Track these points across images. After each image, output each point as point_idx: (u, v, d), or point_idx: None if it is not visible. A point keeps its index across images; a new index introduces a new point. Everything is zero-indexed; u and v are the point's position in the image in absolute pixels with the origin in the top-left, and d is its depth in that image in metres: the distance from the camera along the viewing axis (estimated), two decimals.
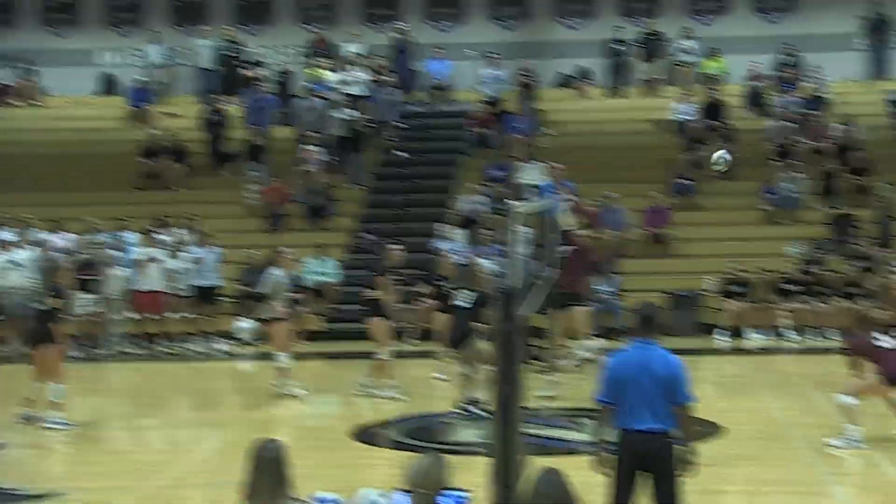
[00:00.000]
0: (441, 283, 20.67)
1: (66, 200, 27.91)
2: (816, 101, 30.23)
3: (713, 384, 17.91)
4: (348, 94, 30.44)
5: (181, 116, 30.89)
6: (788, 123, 29.37)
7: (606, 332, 22.11)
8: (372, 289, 17.92)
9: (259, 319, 21.20)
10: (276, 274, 18.41)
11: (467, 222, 26.48)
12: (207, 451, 15.28)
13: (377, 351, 17.88)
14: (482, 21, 32.84)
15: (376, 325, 17.86)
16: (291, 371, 18.21)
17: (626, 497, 8.99)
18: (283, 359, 18.19)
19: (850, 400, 14.35)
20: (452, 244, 25.45)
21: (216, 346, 24.52)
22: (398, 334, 20.52)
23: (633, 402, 9.03)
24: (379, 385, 17.97)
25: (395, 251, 18.48)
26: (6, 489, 11.56)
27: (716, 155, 16.81)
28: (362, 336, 19.12)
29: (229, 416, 17.48)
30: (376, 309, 17.85)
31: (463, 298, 16.59)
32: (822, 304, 24.39)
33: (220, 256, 25.19)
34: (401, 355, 19.35)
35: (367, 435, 15.55)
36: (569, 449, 13.34)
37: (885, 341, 14.52)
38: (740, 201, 28.08)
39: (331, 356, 23.32)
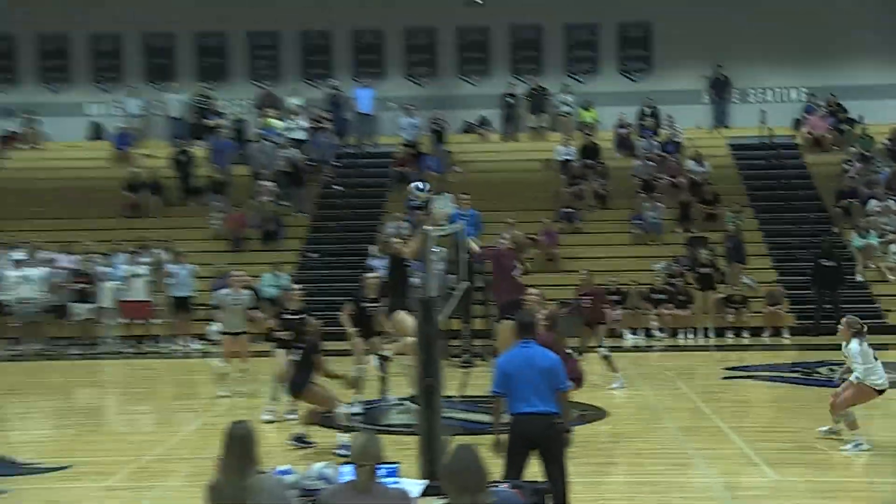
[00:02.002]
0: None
1: (66, 226, 27.72)
2: (672, 145, 30.51)
3: (598, 376, 17.88)
4: (292, 139, 30.36)
5: (156, 157, 30.68)
6: (650, 163, 29.61)
7: None
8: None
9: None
10: (224, 293, 18.13)
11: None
12: (189, 431, 15.13)
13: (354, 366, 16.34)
14: (400, 79, 32.81)
15: (356, 345, 16.40)
16: (228, 375, 17.87)
17: (519, 471, 8.97)
18: (219, 364, 17.93)
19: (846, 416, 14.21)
20: (382, 262, 25.32)
21: (192, 345, 24.48)
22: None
23: (521, 391, 9.05)
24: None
25: (371, 279, 17.31)
26: (21, 463, 11.38)
27: (412, 185, 16.57)
28: None
29: (205, 404, 17.28)
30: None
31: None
32: (682, 309, 24.57)
33: (192, 272, 25.05)
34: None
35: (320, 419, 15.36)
36: (479, 430, 13.26)
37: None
38: (614, 226, 28.23)
39: None
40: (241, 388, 17.74)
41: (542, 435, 9.03)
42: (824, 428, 13.46)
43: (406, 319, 15.02)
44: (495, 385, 9.26)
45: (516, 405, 9.09)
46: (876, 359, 13.28)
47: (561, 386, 9.18)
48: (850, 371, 13.35)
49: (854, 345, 13.18)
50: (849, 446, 12.97)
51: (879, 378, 13.16)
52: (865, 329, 13.44)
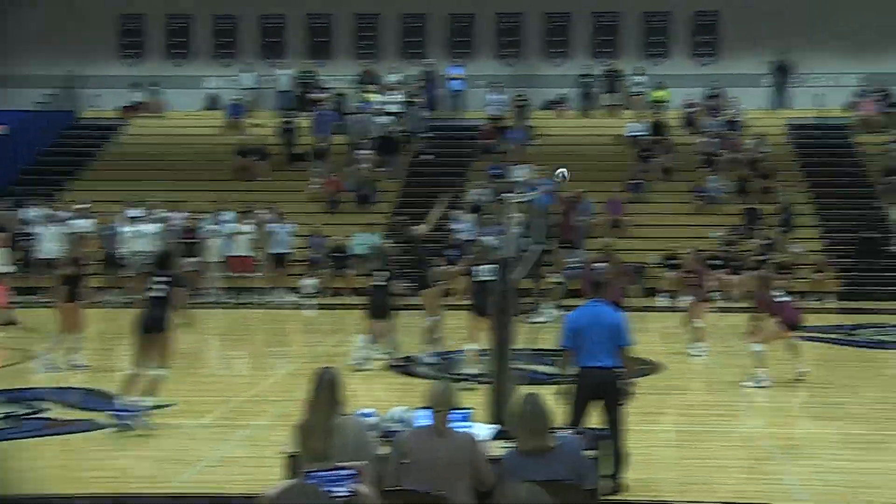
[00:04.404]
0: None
1: (181, 187, 27.85)
2: (734, 124, 30.10)
3: (654, 333, 17.85)
4: (388, 112, 30.45)
5: (264, 126, 30.89)
6: (713, 140, 29.26)
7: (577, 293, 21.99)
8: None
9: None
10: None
11: (475, 209, 26.47)
12: (280, 375, 15.33)
13: (428, 317, 16.10)
14: (488, 59, 32.75)
15: (428, 295, 16.04)
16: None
17: (581, 417, 9.01)
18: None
19: (759, 347, 14.28)
20: (465, 225, 25.47)
21: (287, 298, 24.55)
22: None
23: (588, 346, 9.06)
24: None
25: (419, 230, 16.73)
26: (130, 402, 11.59)
27: (557, 171, 16.24)
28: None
29: (297, 351, 17.50)
30: (425, 282, 16.09)
31: (483, 272, 15.93)
32: (737, 274, 24.29)
33: (291, 231, 25.27)
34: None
35: (400, 367, 15.52)
36: (545, 380, 13.31)
37: (781, 297, 14.44)
38: (678, 197, 27.97)
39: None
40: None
41: (605, 387, 9.04)
42: None
43: (431, 294, 15.52)
44: (564, 340, 9.28)
45: (583, 359, 9.09)
46: None
47: (624, 343, 9.18)
48: None
49: None
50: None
51: None
52: None
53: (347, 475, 6.15)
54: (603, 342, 9.05)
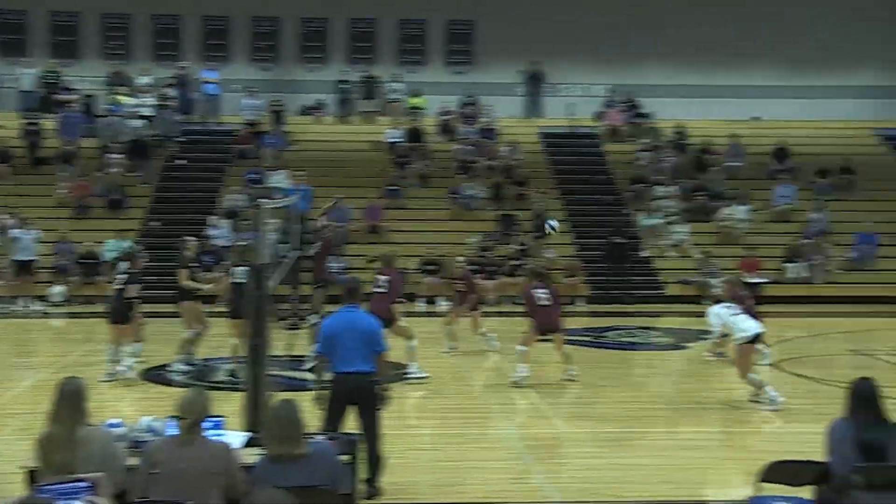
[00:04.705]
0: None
1: None
2: (489, 132, 30.84)
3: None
4: (140, 115, 29.63)
5: (6, 128, 29.46)
6: (469, 147, 29.87)
7: (336, 299, 21.93)
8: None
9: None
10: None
11: (231, 214, 26.15)
12: (24, 387, 14.66)
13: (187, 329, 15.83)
14: (244, 63, 32.33)
15: (186, 308, 15.77)
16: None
17: (337, 424, 9.01)
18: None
19: (522, 348, 14.55)
20: (220, 230, 25.06)
21: (33, 306, 23.57)
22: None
23: (343, 352, 9.09)
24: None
25: (191, 242, 16.70)
26: None
27: (547, 224, 16.92)
28: (148, 299, 18.41)
29: (42, 361, 16.78)
30: (184, 294, 15.75)
31: (239, 274, 15.74)
32: (492, 279, 24.74)
33: (36, 237, 24.25)
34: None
35: (152, 376, 15.13)
36: (302, 386, 13.23)
37: (543, 300, 14.69)
38: (435, 203, 28.40)
39: None
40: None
41: (360, 393, 9.08)
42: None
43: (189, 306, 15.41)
44: (319, 346, 9.28)
45: (338, 364, 9.11)
46: (735, 314, 13.22)
47: (379, 348, 9.23)
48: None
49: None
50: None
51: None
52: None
53: (82, 487, 5.93)
54: (358, 348, 9.10)
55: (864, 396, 7.22)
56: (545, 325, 14.59)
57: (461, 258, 20.12)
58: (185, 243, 16.36)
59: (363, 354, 9.10)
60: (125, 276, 14.82)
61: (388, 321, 14.01)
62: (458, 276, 18.19)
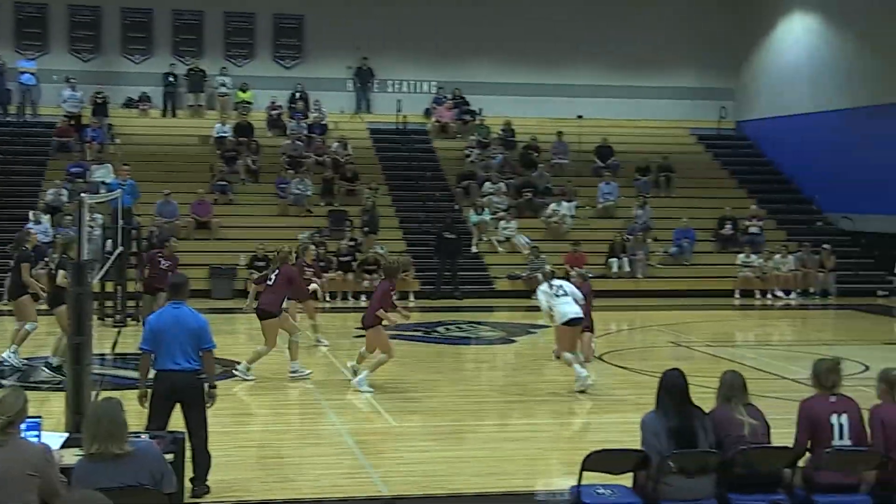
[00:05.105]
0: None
1: None
2: (319, 127, 30.72)
3: (244, 335, 17.79)
4: None
5: None
6: (298, 142, 29.67)
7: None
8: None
9: None
10: None
11: (52, 209, 25.35)
12: None
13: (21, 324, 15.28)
14: (63, 53, 31.26)
15: (22, 303, 15.10)
16: None
17: (162, 422, 8.84)
18: None
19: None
20: (41, 226, 24.22)
21: None
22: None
23: (168, 348, 8.94)
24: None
25: (33, 234, 16.40)
26: None
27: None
28: None
29: None
30: (22, 290, 15.08)
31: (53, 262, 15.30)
32: (324, 274, 24.63)
33: None
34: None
35: None
36: (127, 384, 12.92)
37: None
38: (263, 198, 28.12)
39: None
40: None
41: (186, 390, 8.93)
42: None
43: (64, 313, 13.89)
44: (144, 342, 9.10)
45: (162, 361, 8.96)
46: (559, 296, 13.97)
47: (206, 345, 9.10)
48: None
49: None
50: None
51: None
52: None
53: None
54: (183, 344, 8.95)
55: (672, 387, 7.53)
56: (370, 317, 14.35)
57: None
58: (28, 235, 15.70)
59: (188, 351, 8.96)
60: None
61: (274, 314, 14.39)
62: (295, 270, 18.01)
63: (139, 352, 9.31)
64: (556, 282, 14.25)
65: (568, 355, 13.92)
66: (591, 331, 15.40)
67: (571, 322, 13.89)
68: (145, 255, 19.90)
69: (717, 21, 33.48)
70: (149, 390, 9.01)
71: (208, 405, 9.10)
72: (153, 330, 9.08)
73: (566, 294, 14.04)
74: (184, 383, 8.93)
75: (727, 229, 28.41)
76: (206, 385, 9.10)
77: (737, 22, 33.45)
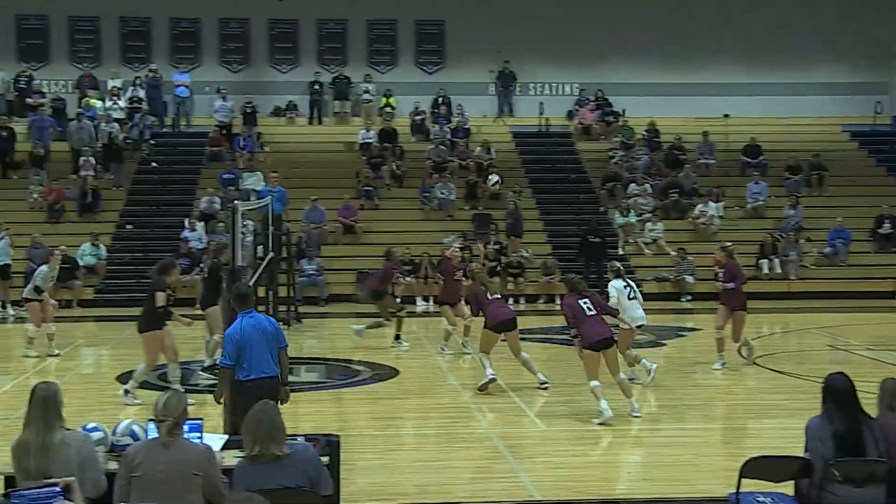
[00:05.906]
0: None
1: None
2: (462, 131, 30.83)
3: (389, 338, 17.92)
4: (112, 118, 29.40)
5: None
6: (442, 147, 29.83)
7: (312, 300, 22.05)
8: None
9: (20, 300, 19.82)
10: (44, 270, 17.40)
11: (206, 216, 26.04)
12: (1, 392, 14.44)
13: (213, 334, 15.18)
14: (214, 65, 32.14)
15: (212, 312, 14.91)
16: (34, 339, 17.24)
17: None
18: (31, 329, 17.25)
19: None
20: (195, 233, 24.95)
21: (9, 311, 23.29)
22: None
23: (258, 357, 9.15)
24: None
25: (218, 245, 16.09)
26: None
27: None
28: (126, 303, 18.35)
29: (19, 367, 16.54)
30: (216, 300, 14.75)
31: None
32: (467, 278, 24.57)
33: (10, 242, 23.96)
34: None
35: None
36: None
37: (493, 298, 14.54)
38: (408, 203, 28.35)
39: (99, 319, 22.64)
40: (53, 351, 17.13)
41: (273, 395, 8.91)
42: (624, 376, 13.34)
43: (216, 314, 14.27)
44: (227, 358, 9.25)
45: (253, 370, 9.13)
46: (631, 298, 13.94)
47: (283, 345, 9.36)
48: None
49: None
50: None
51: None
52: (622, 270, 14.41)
53: (53, 492, 5.86)
54: (268, 351, 9.21)
55: (838, 391, 7.19)
56: (495, 320, 14.27)
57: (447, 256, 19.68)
58: (224, 248, 14.73)
59: (272, 356, 9.23)
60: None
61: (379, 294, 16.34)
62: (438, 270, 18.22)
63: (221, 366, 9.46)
64: (627, 283, 14.20)
65: (631, 352, 14.09)
66: (744, 309, 15.63)
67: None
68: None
69: (870, 13, 32.44)
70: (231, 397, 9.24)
71: (283, 404, 9.17)
72: (238, 345, 9.18)
73: (636, 298, 14.06)
74: (273, 388, 9.10)
75: (885, 228, 27.47)
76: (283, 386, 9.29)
77: (890, 13, 32.35)
